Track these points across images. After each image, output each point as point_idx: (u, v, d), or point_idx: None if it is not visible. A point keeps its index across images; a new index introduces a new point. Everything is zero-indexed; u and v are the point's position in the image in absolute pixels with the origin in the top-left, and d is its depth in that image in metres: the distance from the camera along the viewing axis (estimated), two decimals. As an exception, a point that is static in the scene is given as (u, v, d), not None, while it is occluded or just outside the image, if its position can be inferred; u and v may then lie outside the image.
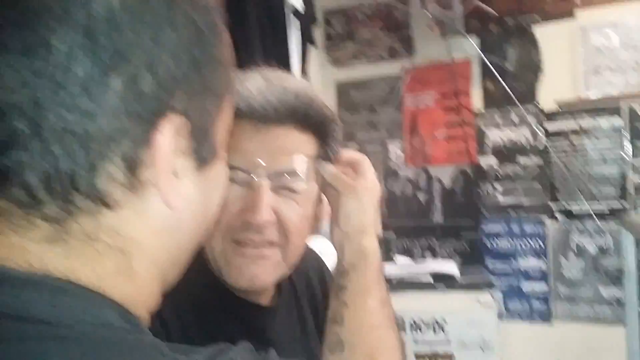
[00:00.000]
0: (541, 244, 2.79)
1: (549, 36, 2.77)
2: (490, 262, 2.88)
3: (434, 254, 2.98)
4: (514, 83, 2.81)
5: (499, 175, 2.87)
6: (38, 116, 0.42)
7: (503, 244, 2.86)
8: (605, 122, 2.67)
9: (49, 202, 0.44)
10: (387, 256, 2.64)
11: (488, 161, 2.89)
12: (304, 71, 2.30)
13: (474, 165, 2.90)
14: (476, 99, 2.92)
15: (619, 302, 2.59)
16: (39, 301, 0.42)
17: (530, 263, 2.81)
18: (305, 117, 0.88)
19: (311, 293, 1.08)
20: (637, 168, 2.63)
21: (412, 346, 2.33)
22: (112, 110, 0.43)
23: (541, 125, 2.78)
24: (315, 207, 0.93)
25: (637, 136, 2.63)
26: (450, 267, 2.50)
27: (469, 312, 2.28)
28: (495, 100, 2.88)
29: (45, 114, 0.42)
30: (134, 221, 0.47)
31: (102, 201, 0.45)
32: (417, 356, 2.35)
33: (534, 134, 2.79)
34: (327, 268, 1.13)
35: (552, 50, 2.77)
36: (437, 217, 3.00)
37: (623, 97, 2.64)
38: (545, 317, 2.78)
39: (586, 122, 2.70)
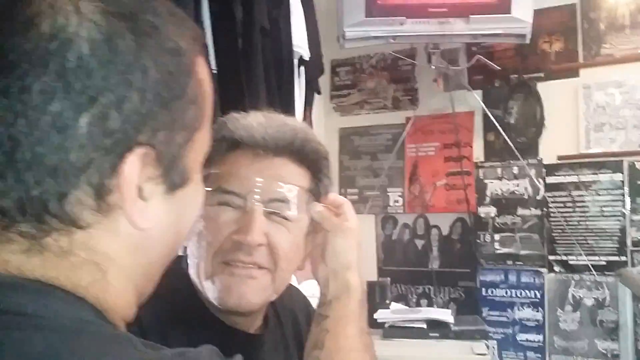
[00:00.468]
0: (538, 295, 2.80)
1: (552, 92, 2.83)
2: (486, 312, 2.89)
3: (430, 301, 2.99)
4: (516, 136, 2.87)
5: (498, 226, 2.90)
6: (13, 149, 0.48)
7: (499, 293, 2.88)
8: (605, 178, 2.71)
9: (23, 222, 0.50)
10: (382, 302, 2.65)
11: (487, 211, 2.93)
12: (307, 117, 2.36)
13: (472, 215, 2.93)
14: (478, 150, 2.97)
15: (615, 356, 2.59)
16: (22, 298, 0.48)
17: (526, 314, 2.82)
18: (300, 151, 0.94)
19: (297, 330, 1.10)
20: (635, 223, 2.65)
21: (405, 393, 2.32)
22: (81, 144, 0.49)
23: (541, 178, 2.82)
24: (305, 238, 0.98)
25: (637, 192, 2.66)
26: (445, 315, 2.50)
27: (463, 362, 2.27)
28: (496, 152, 2.93)
29: (19, 148, 0.48)
30: (106, 239, 0.53)
31: (73, 222, 0.51)
32: (409, 404, 2.34)
33: (534, 187, 2.84)
34: (314, 309, 1.16)
35: (555, 106, 2.82)
36: (434, 264, 3.02)
37: (624, 153, 2.69)
38: (541, 368, 2.77)
39: (586, 176, 2.74)
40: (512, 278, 2.85)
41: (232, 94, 1.64)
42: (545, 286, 2.79)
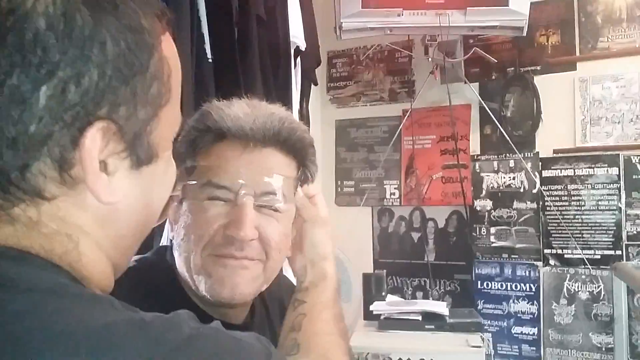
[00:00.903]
0: (533, 288, 2.81)
1: (549, 85, 2.83)
2: (481, 304, 2.89)
3: (425, 294, 2.99)
4: (512, 129, 2.87)
5: (493, 219, 2.90)
6: None
7: (495, 286, 2.88)
8: (601, 171, 2.71)
9: None
10: (378, 294, 2.65)
11: (483, 204, 2.93)
12: (304, 109, 2.35)
13: (469, 208, 2.94)
14: (474, 143, 2.97)
15: (609, 349, 2.60)
16: (0, 263, 0.49)
17: (521, 307, 2.82)
18: (287, 140, 0.94)
19: (284, 317, 1.11)
20: (631, 217, 2.66)
21: (400, 385, 2.33)
22: (40, 118, 0.50)
23: (537, 171, 2.83)
24: (292, 225, 0.98)
25: (632, 186, 2.66)
26: (440, 307, 2.50)
27: (458, 354, 2.27)
28: (493, 145, 2.93)
29: None
30: (75, 211, 0.55)
31: (38, 194, 0.52)
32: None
33: (530, 180, 2.84)
34: None
35: (552, 99, 2.83)
36: (430, 257, 3.02)
37: (620, 147, 2.69)
38: (535, 361, 2.78)
39: (582, 170, 2.74)
40: (508, 271, 2.86)
41: (228, 83, 1.63)
42: (541, 279, 2.80)
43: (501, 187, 2.90)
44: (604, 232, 2.70)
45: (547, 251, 2.79)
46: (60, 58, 0.50)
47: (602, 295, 2.67)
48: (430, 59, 2.77)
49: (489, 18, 2.49)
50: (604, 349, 2.64)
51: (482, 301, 2.90)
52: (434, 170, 3.02)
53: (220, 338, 0.56)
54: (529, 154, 2.84)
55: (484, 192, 2.93)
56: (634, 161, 2.66)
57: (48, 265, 0.52)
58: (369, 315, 2.52)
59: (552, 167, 2.80)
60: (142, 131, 0.56)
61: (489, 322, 2.83)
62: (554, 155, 2.80)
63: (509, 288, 2.85)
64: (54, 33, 0.49)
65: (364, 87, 3.21)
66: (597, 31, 2.75)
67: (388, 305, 2.53)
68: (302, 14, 2.15)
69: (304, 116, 2.40)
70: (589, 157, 2.73)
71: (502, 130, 2.83)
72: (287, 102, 2.03)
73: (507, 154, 2.87)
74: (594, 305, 2.68)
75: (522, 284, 2.83)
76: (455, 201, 2.96)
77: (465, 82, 2.91)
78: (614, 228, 2.68)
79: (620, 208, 2.67)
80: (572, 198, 2.75)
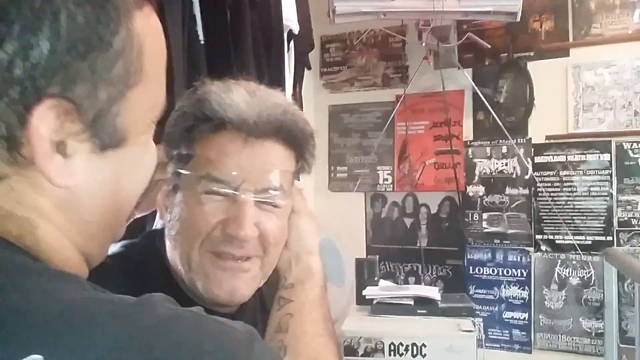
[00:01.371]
0: (524, 273, 2.83)
1: (542, 72, 2.83)
2: (472, 290, 2.91)
3: (418, 279, 3.01)
4: (505, 115, 2.87)
5: (486, 205, 2.91)
6: None
7: (486, 272, 2.90)
8: (593, 158, 2.72)
9: None
10: (371, 279, 2.66)
11: (476, 190, 2.93)
12: (297, 93, 2.34)
13: (461, 193, 2.94)
14: (467, 129, 2.97)
15: (599, 334, 2.62)
16: None
17: (512, 292, 2.84)
18: (290, 133, 0.90)
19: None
20: (622, 204, 2.67)
21: (391, 369, 2.34)
22: None
23: (530, 157, 2.83)
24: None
25: (624, 172, 2.67)
26: (432, 292, 2.51)
27: (449, 338, 2.28)
28: (485, 131, 2.93)
29: None
30: (32, 193, 0.52)
31: None
32: (396, 379, 2.35)
33: (522, 166, 2.84)
34: None
35: (545, 86, 2.83)
36: (423, 242, 3.03)
37: (612, 134, 2.70)
38: (526, 346, 2.80)
39: (574, 156, 2.75)
40: (499, 257, 2.87)
41: (220, 66, 1.61)
42: (532, 265, 2.81)
43: (494, 173, 2.90)
44: (595, 218, 2.71)
45: (538, 237, 2.81)
46: (7, 31, 0.47)
47: (592, 281, 2.69)
48: (423, 44, 2.76)
49: (483, 3, 2.47)
50: (593, 334, 2.67)
51: (473, 286, 2.91)
52: (426, 156, 3.02)
53: (199, 320, 0.53)
54: (521, 140, 2.85)
55: (476, 178, 2.93)
56: (625, 147, 2.67)
57: (8, 244, 0.49)
58: (361, 300, 2.53)
59: (545, 153, 2.81)
60: (106, 112, 0.52)
61: (480, 307, 2.85)
62: (547, 141, 2.81)
63: (500, 273, 2.87)
64: (1, 4, 0.47)
65: (357, 73, 3.20)
66: (591, 17, 2.75)
67: (380, 290, 2.54)
68: (295, -4, 2.13)
69: (297, 100, 2.39)
70: (581, 143, 2.74)
71: (495, 116, 2.83)
72: (280, 86, 2.01)
73: (500, 140, 2.87)
74: (585, 290, 2.70)
75: (513, 270, 2.85)
76: (448, 187, 2.96)
77: (459, 68, 2.90)
78: (605, 214, 2.69)
79: (611, 194, 2.69)
80: (564, 184, 2.76)
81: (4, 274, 0.46)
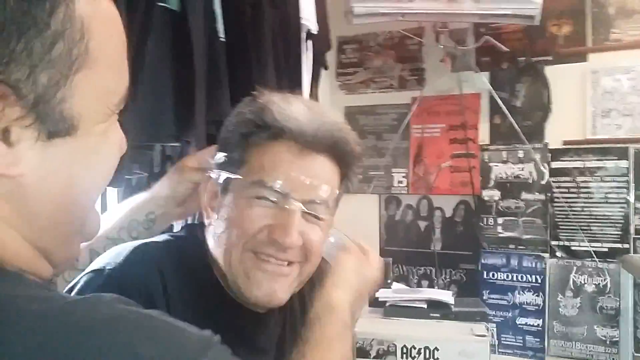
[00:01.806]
0: (539, 279, 2.80)
1: (560, 76, 2.80)
2: (486, 295, 2.89)
3: (431, 283, 2.99)
4: (522, 120, 2.85)
5: (501, 209, 2.89)
6: None
7: (501, 277, 2.87)
8: (610, 164, 2.69)
9: None
10: (384, 282, 2.64)
11: (491, 194, 2.91)
12: (314, 94, 2.33)
13: (476, 197, 2.92)
14: (483, 133, 2.95)
15: (614, 343, 2.59)
16: None
17: (526, 298, 2.82)
18: (341, 151, 0.95)
19: (302, 299, 1.11)
20: (639, 210, 2.64)
21: (404, 373, 2.33)
22: None
23: (546, 162, 2.81)
24: None
25: (641, 179, 2.65)
26: (446, 296, 2.50)
27: (462, 343, 2.27)
28: (502, 135, 2.91)
29: None
30: None
31: None
32: (408, 383, 2.34)
33: (539, 171, 2.82)
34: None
35: (563, 91, 2.80)
36: (436, 246, 3.01)
37: (630, 140, 2.67)
38: (539, 353, 2.77)
39: (591, 162, 2.73)
40: (514, 262, 2.85)
41: (239, 63, 1.61)
42: (547, 271, 2.79)
43: (509, 178, 2.88)
44: (612, 225, 2.68)
45: (554, 243, 2.78)
46: None
47: (608, 288, 2.66)
48: (441, 47, 2.75)
49: (502, 5, 2.46)
50: (608, 342, 2.63)
51: (487, 291, 2.89)
52: (442, 159, 3.01)
53: (145, 323, 0.50)
54: (538, 144, 2.83)
55: (492, 182, 2.91)
56: (644, 154, 2.64)
57: None
58: (374, 302, 2.52)
59: (561, 159, 2.78)
60: (49, 97, 0.50)
61: (493, 312, 2.83)
62: (564, 146, 2.78)
63: (514, 279, 2.85)
64: None
65: (374, 74, 3.19)
66: (610, 22, 2.73)
67: (394, 292, 2.53)
68: (313, -4, 2.13)
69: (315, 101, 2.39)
70: (598, 149, 2.71)
71: (511, 120, 2.81)
72: (298, 85, 2.01)
73: (516, 145, 2.85)
74: (600, 298, 2.67)
75: (528, 275, 2.82)
76: (463, 191, 2.94)
77: (476, 71, 2.89)
78: (622, 221, 2.67)
79: (628, 201, 2.66)
80: (581, 190, 2.74)
81: None
